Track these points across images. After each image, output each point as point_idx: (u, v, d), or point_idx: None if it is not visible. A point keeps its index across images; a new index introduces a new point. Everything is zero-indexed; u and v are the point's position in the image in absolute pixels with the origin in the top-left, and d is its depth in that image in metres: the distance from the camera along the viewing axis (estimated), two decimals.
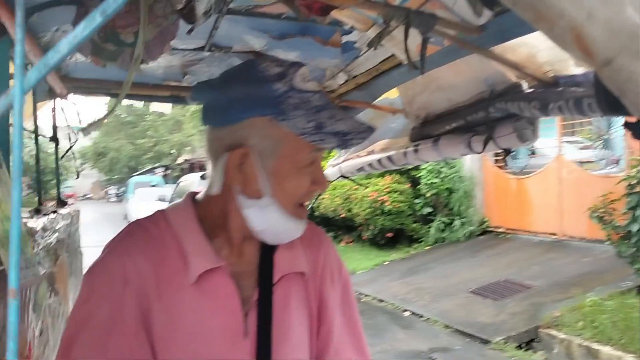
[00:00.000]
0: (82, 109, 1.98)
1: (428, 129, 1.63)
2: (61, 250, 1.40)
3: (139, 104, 32.49)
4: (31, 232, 1.04)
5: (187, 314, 1.05)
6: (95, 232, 11.25)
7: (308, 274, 1.18)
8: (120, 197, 35.32)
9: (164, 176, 31.75)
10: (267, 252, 1.15)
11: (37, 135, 1.53)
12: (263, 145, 1.06)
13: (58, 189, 1.77)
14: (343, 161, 2.22)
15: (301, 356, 1.16)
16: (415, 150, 1.69)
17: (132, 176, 31.10)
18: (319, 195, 1.18)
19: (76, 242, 1.67)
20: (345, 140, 1.06)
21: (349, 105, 1.89)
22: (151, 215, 1.14)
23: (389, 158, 1.83)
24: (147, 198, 19.25)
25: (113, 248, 1.07)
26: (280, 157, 1.07)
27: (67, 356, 1.01)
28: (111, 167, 42.34)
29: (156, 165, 36.57)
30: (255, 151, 1.05)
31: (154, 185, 25.37)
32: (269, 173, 1.07)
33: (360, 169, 2.11)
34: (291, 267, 1.16)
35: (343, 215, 11.85)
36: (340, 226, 12.45)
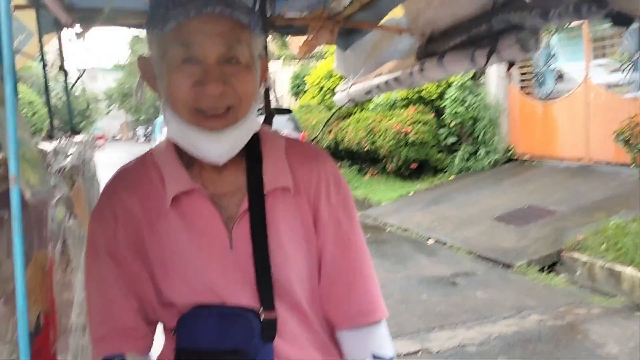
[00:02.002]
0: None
1: (433, 46, 1.62)
2: (77, 176, 1.45)
3: None
4: (43, 153, 1.09)
5: (175, 238, 1.13)
6: None
7: (295, 190, 1.18)
8: (148, 137, 35.68)
9: None
10: (253, 170, 1.18)
11: (44, 66, 1.56)
12: (152, 55, 1.11)
13: (70, 118, 1.82)
14: (351, 85, 2.22)
15: (295, 266, 1.20)
16: (421, 69, 1.68)
17: (158, 116, 31.26)
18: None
19: (92, 170, 1.73)
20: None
21: (355, 27, 1.88)
22: (141, 154, 1.22)
23: (396, 79, 1.83)
24: None
25: (104, 190, 1.18)
26: (158, 62, 1.09)
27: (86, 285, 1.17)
28: (137, 107, 42.57)
29: None
30: (151, 61, 1.12)
31: None
32: (160, 80, 1.11)
33: (369, 92, 2.11)
34: (276, 183, 1.18)
35: (367, 148, 11.84)
36: (365, 159, 12.46)
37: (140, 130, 42.72)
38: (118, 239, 1.13)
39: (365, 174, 12.43)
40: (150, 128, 33.57)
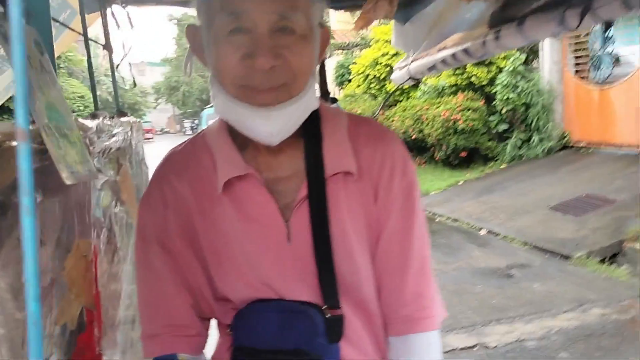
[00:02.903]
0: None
1: (511, 10, 1.45)
2: (123, 159, 1.36)
3: None
4: (83, 128, 0.99)
5: (227, 227, 1.03)
6: None
7: (358, 173, 1.04)
8: (195, 130, 36.23)
9: None
10: (313, 152, 1.05)
11: (87, 43, 1.47)
12: (201, 22, 0.98)
13: (116, 97, 1.73)
14: (412, 61, 2.06)
15: (360, 259, 1.07)
16: (496, 37, 1.51)
17: (204, 109, 31.67)
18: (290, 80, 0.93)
19: (140, 154, 1.64)
20: None
21: None
22: (192, 137, 1.12)
23: (465, 51, 1.66)
24: None
25: (154, 174, 1.08)
26: (206, 32, 0.97)
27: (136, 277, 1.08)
28: (184, 100, 43.29)
29: None
30: (200, 30, 1.00)
31: None
32: (208, 52, 0.98)
33: (432, 68, 1.94)
34: (338, 166, 1.04)
35: (414, 137, 11.60)
36: (412, 147, 12.22)
37: (188, 123, 43.42)
38: (168, 226, 1.03)
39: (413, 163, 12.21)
40: (197, 121, 34.05)
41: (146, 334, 1.07)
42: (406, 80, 2.16)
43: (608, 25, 9.59)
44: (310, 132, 1.06)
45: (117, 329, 1.24)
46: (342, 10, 1.95)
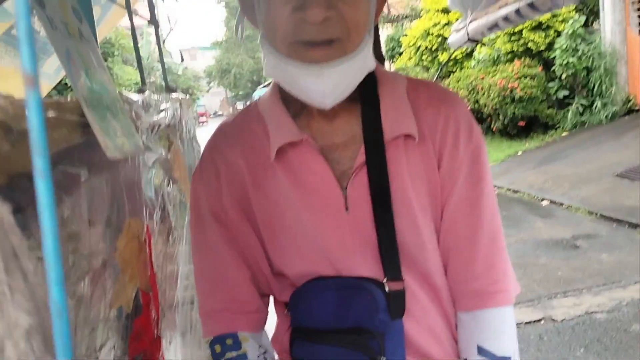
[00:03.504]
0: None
1: None
2: (174, 137, 1.32)
3: None
4: (128, 101, 0.95)
5: (282, 196, 0.98)
6: None
7: (420, 137, 0.97)
8: None
9: None
10: (370, 116, 0.98)
11: (131, 17, 1.43)
12: None
13: (163, 71, 1.71)
14: (470, 22, 1.94)
15: (424, 229, 1.00)
16: None
17: (256, 90, 31.85)
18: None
19: (191, 132, 1.60)
20: None
21: None
22: (245, 107, 1.08)
23: (531, 5, 1.53)
24: None
25: (206, 146, 1.06)
26: None
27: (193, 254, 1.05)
28: (235, 83, 43.71)
29: None
30: None
31: None
32: (258, 10, 0.92)
33: (494, 27, 1.81)
34: (398, 130, 0.96)
35: (470, 108, 11.28)
36: None
37: (240, 105, 43.92)
38: (222, 198, 1.00)
39: None
40: (249, 102, 34.30)
41: (205, 311, 1.04)
42: (465, 43, 2.03)
43: None
44: (367, 94, 1.00)
45: (176, 310, 1.21)
46: None
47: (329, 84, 0.88)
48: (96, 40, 0.85)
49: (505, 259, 1.04)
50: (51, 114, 0.55)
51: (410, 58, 13.54)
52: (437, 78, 12.13)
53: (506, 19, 1.70)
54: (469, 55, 11.71)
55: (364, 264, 0.98)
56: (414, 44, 13.12)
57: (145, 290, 0.97)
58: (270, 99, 1.03)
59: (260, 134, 1.01)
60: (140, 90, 1.20)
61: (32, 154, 0.22)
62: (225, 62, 43.10)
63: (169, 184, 1.23)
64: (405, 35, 13.97)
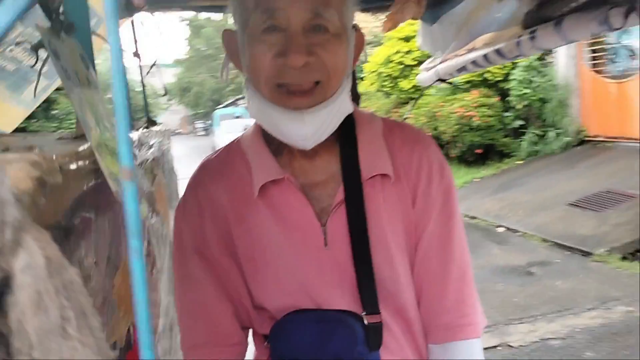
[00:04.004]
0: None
1: (548, 10, 1.41)
2: (157, 169, 1.35)
3: (217, 38, 32.75)
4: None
5: (264, 232, 1.02)
6: (186, 165, 11.61)
7: (395, 177, 1.03)
8: (207, 131, 36.31)
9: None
10: (348, 155, 1.03)
11: (137, 55, 1.45)
12: (236, 24, 0.99)
13: (145, 106, 1.73)
14: (440, 62, 2.03)
15: (399, 264, 1.05)
16: (532, 38, 1.48)
17: (217, 109, 31.67)
18: (323, 80, 0.92)
19: (170, 162, 1.63)
20: None
21: None
22: (228, 143, 1.12)
23: (498, 52, 1.63)
24: (232, 129, 19.56)
25: (189, 182, 1.09)
26: (240, 31, 0.97)
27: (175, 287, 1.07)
28: (196, 101, 43.39)
29: (238, 97, 37.06)
30: (235, 34, 1.00)
31: (238, 117, 25.64)
32: (242, 54, 0.98)
33: (462, 69, 1.91)
34: (375, 169, 1.02)
35: (429, 134, 11.50)
36: None
37: (200, 124, 43.50)
38: (205, 234, 1.03)
39: None
40: (209, 121, 34.07)
41: (187, 345, 1.06)
42: (434, 82, 2.13)
43: None
44: (346, 135, 1.05)
45: (159, 339, 1.22)
46: (369, 13, 1.93)
47: (310, 128, 0.94)
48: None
49: (474, 293, 1.10)
50: (73, 165, 0.58)
51: (372, 84, 13.75)
52: (396, 104, 12.34)
53: (474, 62, 1.79)
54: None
55: (343, 297, 1.02)
56: (375, 70, 13.35)
57: (135, 324, 0.99)
58: (253, 137, 1.08)
59: (243, 171, 1.05)
60: (130, 127, 1.22)
61: (128, 237, 0.26)
62: (186, 81, 42.81)
63: (152, 216, 1.25)
64: (368, 61, 14.19)
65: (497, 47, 1.64)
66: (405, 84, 12.20)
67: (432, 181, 1.06)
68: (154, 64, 1.76)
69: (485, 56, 1.72)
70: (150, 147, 1.20)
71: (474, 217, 8.06)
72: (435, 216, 1.06)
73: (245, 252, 1.04)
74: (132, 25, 1.65)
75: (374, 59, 13.56)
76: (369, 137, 1.06)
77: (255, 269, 1.04)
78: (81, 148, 0.63)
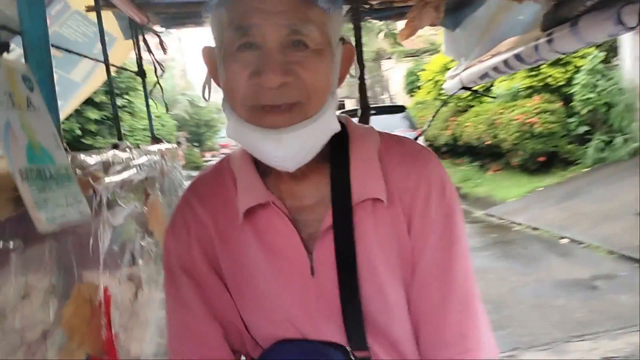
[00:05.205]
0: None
1: (564, 10, 1.30)
2: (151, 189, 1.32)
3: None
4: (82, 165, 0.94)
5: (249, 257, 0.96)
6: None
7: (389, 200, 0.95)
8: None
9: None
10: (338, 178, 0.96)
11: (108, 69, 1.44)
12: (214, 40, 0.93)
13: (150, 124, 1.72)
14: (464, 70, 1.93)
15: (391, 296, 0.97)
16: (549, 41, 1.36)
17: None
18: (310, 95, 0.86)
19: (175, 181, 1.59)
20: None
21: None
22: (220, 160, 1.07)
23: (517, 57, 1.52)
24: None
25: (179, 201, 1.05)
26: (217, 47, 0.92)
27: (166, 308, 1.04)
28: None
29: None
30: (214, 50, 0.95)
31: None
32: (220, 72, 0.92)
33: (484, 76, 1.80)
34: (366, 193, 0.94)
35: (488, 142, 11.20)
36: (486, 154, 11.82)
37: None
38: (193, 253, 0.99)
39: (487, 170, 11.77)
40: None
41: None
42: (459, 90, 2.03)
43: None
44: (337, 155, 0.98)
45: None
46: (388, 20, 1.85)
47: (289, 149, 0.87)
48: (53, 104, 0.85)
49: (480, 325, 0.99)
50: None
51: (429, 92, 13.58)
52: (454, 112, 12.10)
53: (495, 69, 1.69)
54: (488, 90, 11.69)
55: (329, 330, 0.96)
56: (432, 79, 13.17)
57: (97, 355, 0.95)
58: (241, 156, 1.03)
59: (231, 191, 1.00)
60: (115, 146, 1.20)
61: None
62: None
63: (143, 237, 1.22)
64: (424, 70, 14.03)
65: (516, 52, 1.53)
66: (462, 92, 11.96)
67: (431, 203, 0.97)
68: (157, 83, 1.74)
69: (505, 62, 1.61)
70: (131, 167, 1.17)
71: (536, 229, 7.77)
72: (433, 241, 0.97)
73: (230, 276, 1.00)
74: (136, 42, 1.65)
75: (430, 67, 13.40)
76: (362, 157, 0.98)
77: (240, 294, 1.00)
78: None
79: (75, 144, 10.96)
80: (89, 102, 10.09)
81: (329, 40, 0.89)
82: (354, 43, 1.01)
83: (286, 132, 0.86)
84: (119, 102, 13.36)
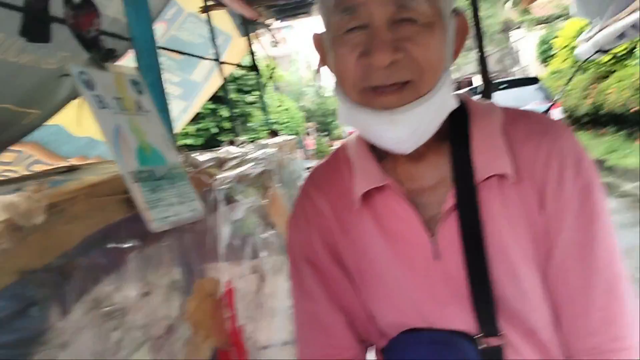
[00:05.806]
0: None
1: None
2: (269, 182, 1.33)
3: None
4: (194, 164, 0.96)
5: (370, 243, 0.94)
6: None
7: (517, 176, 0.88)
8: None
9: None
10: (459, 156, 0.90)
11: (221, 68, 1.47)
12: (323, 25, 0.90)
13: (266, 118, 1.74)
14: (599, 31, 1.74)
15: (525, 278, 0.89)
16: None
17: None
18: (419, 74, 0.81)
19: (294, 172, 1.60)
20: None
21: None
22: (336, 148, 1.06)
23: None
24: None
25: (299, 192, 1.06)
26: (326, 32, 0.89)
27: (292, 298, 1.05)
28: None
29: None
30: (323, 34, 0.92)
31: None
32: (329, 57, 0.89)
33: (622, 36, 1.61)
34: (491, 169, 0.88)
35: (635, 109, 10.26)
36: (633, 122, 10.84)
37: None
38: (314, 243, 0.99)
39: (636, 139, 10.79)
40: None
41: (302, 356, 1.03)
42: (594, 54, 1.84)
43: None
44: (456, 133, 0.93)
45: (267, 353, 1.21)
46: None
47: (403, 130, 0.84)
48: (164, 106, 0.87)
49: (630, 310, 0.89)
50: (90, 197, 0.57)
51: (564, 60, 12.71)
52: (593, 80, 11.21)
53: (634, 26, 1.50)
54: (631, 52, 10.70)
55: (458, 316, 0.91)
56: (567, 45, 12.31)
57: (223, 348, 0.97)
58: (357, 141, 1.01)
59: (348, 178, 0.98)
60: (231, 142, 1.22)
61: None
62: None
63: (265, 230, 1.24)
64: (557, 36, 13.15)
65: None
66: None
67: (565, 179, 0.88)
68: (271, 77, 1.76)
69: None
70: (245, 162, 1.18)
71: None
72: (571, 220, 0.88)
73: (353, 264, 0.98)
74: (248, 38, 1.67)
75: (564, 33, 12.54)
76: (484, 133, 0.92)
77: (363, 281, 0.98)
78: (98, 180, 0.61)
79: (213, 142, 11.56)
80: (222, 100, 10.59)
81: (440, 12, 0.84)
82: (470, 14, 0.94)
83: (399, 113, 0.82)
84: (250, 98, 13.92)
